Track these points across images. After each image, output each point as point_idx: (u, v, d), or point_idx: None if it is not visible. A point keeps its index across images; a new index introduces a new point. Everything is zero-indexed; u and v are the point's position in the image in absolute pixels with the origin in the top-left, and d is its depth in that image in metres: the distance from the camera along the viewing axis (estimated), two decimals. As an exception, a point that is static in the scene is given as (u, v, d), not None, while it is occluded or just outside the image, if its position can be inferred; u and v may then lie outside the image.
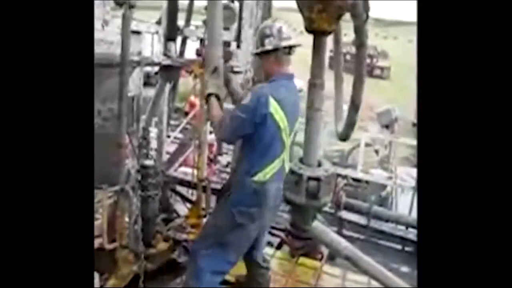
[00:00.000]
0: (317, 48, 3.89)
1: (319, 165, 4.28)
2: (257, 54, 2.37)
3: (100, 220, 2.43)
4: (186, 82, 4.83)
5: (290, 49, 2.33)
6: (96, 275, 1.51)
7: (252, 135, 2.22)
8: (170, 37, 3.87)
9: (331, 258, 3.65)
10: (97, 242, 2.51)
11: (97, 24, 3.68)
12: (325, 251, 3.69)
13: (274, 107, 2.18)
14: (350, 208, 5.04)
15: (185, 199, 3.84)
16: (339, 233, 3.91)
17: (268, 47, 2.28)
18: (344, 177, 5.89)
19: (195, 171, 3.09)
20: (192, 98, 7.10)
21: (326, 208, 4.34)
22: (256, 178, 2.26)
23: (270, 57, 2.31)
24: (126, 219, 2.40)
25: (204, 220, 3.03)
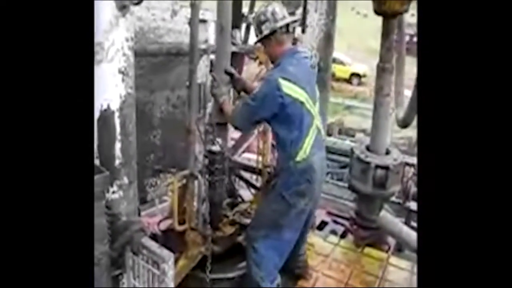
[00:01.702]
0: (387, 31, 3.77)
1: (387, 153, 4.15)
2: (259, 42, 2.42)
3: (170, 203, 2.57)
4: (247, 69, 4.86)
5: (287, 27, 2.36)
6: (171, 254, 1.59)
7: (278, 120, 2.28)
8: (234, 24, 3.91)
9: (399, 250, 3.53)
10: (168, 223, 2.67)
11: (166, 15, 3.81)
12: (391, 242, 3.57)
13: (287, 87, 2.22)
14: (419, 198, 4.82)
15: (249, 184, 3.90)
16: (407, 224, 3.75)
17: (266, 32, 2.33)
18: (413, 166, 5.61)
19: (259, 157, 3.12)
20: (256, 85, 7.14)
21: (394, 198, 4.18)
22: (298, 158, 2.30)
23: (271, 41, 2.36)
24: (195, 202, 2.50)
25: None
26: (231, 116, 2.45)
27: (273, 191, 2.41)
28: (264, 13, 2.33)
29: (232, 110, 2.45)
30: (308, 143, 2.31)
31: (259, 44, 2.48)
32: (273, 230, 2.37)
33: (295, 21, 2.43)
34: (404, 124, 4.13)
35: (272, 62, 2.46)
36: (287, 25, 2.35)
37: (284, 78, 2.21)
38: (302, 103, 2.27)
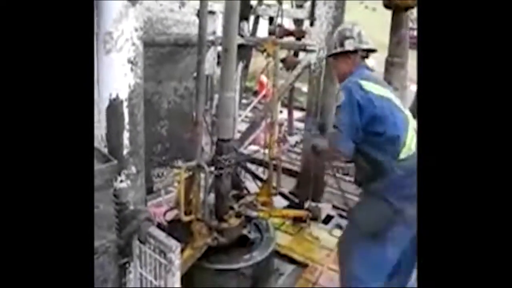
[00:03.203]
0: (396, 25, 3.74)
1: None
2: (334, 54, 2.43)
3: (176, 193, 2.59)
4: (254, 61, 4.84)
5: (367, 53, 2.40)
6: (178, 244, 1.59)
7: (370, 119, 2.12)
8: (243, 16, 3.89)
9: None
10: (173, 214, 2.68)
11: (174, 5, 3.80)
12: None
13: (369, 86, 2.17)
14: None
15: (255, 176, 3.91)
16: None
17: (349, 48, 2.34)
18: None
19: (266, 150, 3.12)
20: (263, 77, 7.11)
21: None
22: (402, 155, 2.12)
23: (348, 59, 2.37)
24: (201, 193, 2.50)
25: (274, 198, 3.09)
26: (331, 147, 2.28)
27: (373, 197, 2.20)
28: (350, 30, 2.38)
29: (329, 141, 2.34)
30: (411, 139, 2.15)
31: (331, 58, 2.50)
32: (373, 243, 2.15)
33: (374, 50, 2.44)
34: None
35: (340, 79, 2.44)
36: (368, 51, 2.40)
37: (363, 79, 2.18)
38: (389, 99, 2.19)
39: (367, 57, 2.41)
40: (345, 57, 2.38)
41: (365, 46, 2.37)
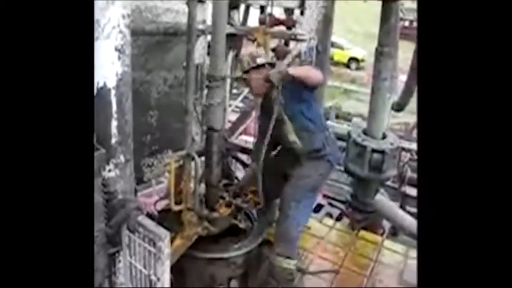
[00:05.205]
0: (386, 15, 3.75)
1: (384, 137, 4.16)
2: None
3: (167, 183, 2.58)
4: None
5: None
6: (167, 233, 1.59)
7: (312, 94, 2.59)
8: (233, 5, 3.85)
9: (393, 234, 3.57)
10: (164, 204, 2.68)
11: (164, -6, 3.74)
12: (386, 225, 3.61)
13: None
14: (414, 183, 4.85)
15: (246, 166, 3.91)
16: (402, 208, 3.79)
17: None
18: (409, 151, 5.63)
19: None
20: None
21: (389, 182, 4.21)
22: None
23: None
24: (191, 183, 2.50)
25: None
26: (309, 70, 2.61)
27: (315, 160, 2.63)
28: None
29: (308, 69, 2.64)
30: None
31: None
32: (310, 194, 2.69)
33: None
34: (398, 108, 4.15)
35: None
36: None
37: None
38: None
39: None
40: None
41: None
